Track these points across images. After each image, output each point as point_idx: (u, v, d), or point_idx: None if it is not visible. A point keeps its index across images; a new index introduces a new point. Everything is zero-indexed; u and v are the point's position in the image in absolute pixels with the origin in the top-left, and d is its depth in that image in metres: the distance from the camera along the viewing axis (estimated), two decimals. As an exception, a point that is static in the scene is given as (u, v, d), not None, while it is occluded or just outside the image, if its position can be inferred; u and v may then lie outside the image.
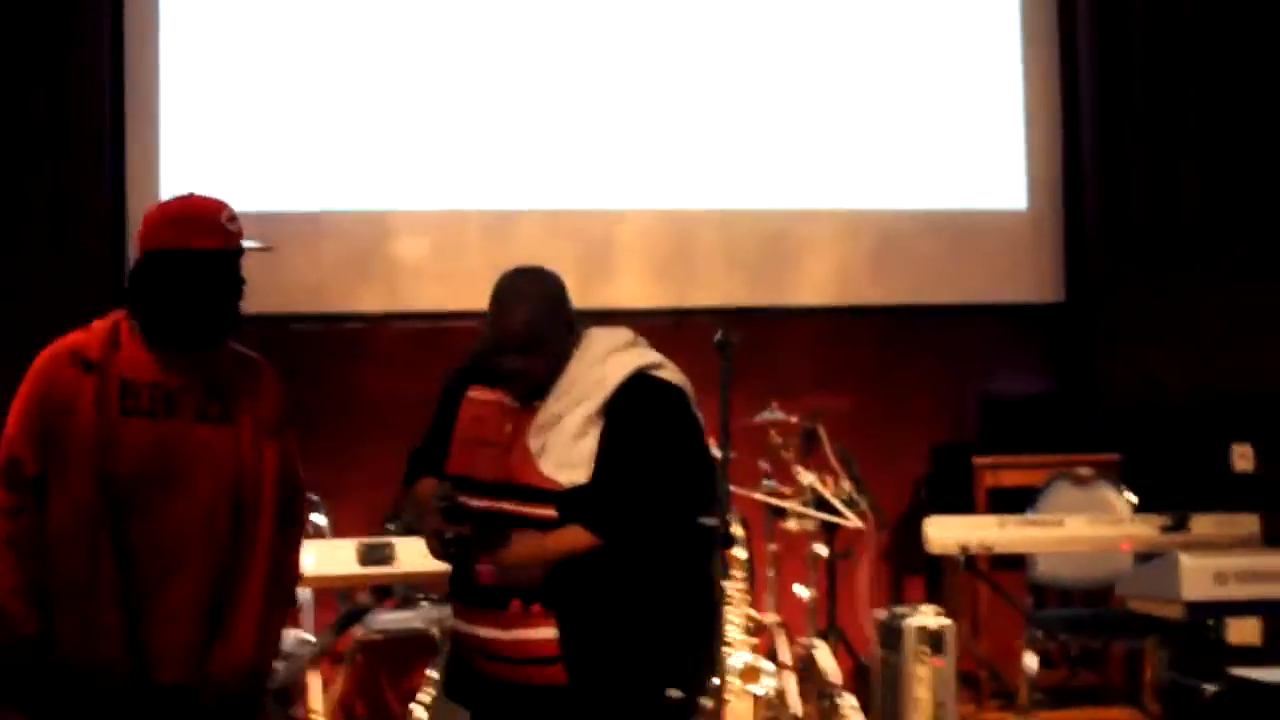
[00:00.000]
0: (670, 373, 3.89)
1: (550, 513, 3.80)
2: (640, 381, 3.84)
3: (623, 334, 3.97)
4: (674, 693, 3.77)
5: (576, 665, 3.79)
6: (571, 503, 3.78)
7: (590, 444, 3.79)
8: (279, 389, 3.95)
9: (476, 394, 4.00)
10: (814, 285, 7.80)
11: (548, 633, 3.81)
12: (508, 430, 3.90)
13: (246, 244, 3.82)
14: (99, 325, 3.81)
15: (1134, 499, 6.79)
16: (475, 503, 3.88)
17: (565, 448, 3.80)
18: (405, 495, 4.14)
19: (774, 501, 6.50)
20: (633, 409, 3.80)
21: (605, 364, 3.86)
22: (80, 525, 3.66)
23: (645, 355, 3.91)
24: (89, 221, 7.31)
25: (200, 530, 3.74)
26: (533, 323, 3.85)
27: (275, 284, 7.08)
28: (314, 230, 7.48)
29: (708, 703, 3.85)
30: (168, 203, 3.84)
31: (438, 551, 3.93)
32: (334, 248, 7.48)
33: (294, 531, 3.95)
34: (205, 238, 3.75)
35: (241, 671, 3.78)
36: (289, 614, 4.18)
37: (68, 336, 3.80)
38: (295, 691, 6.57)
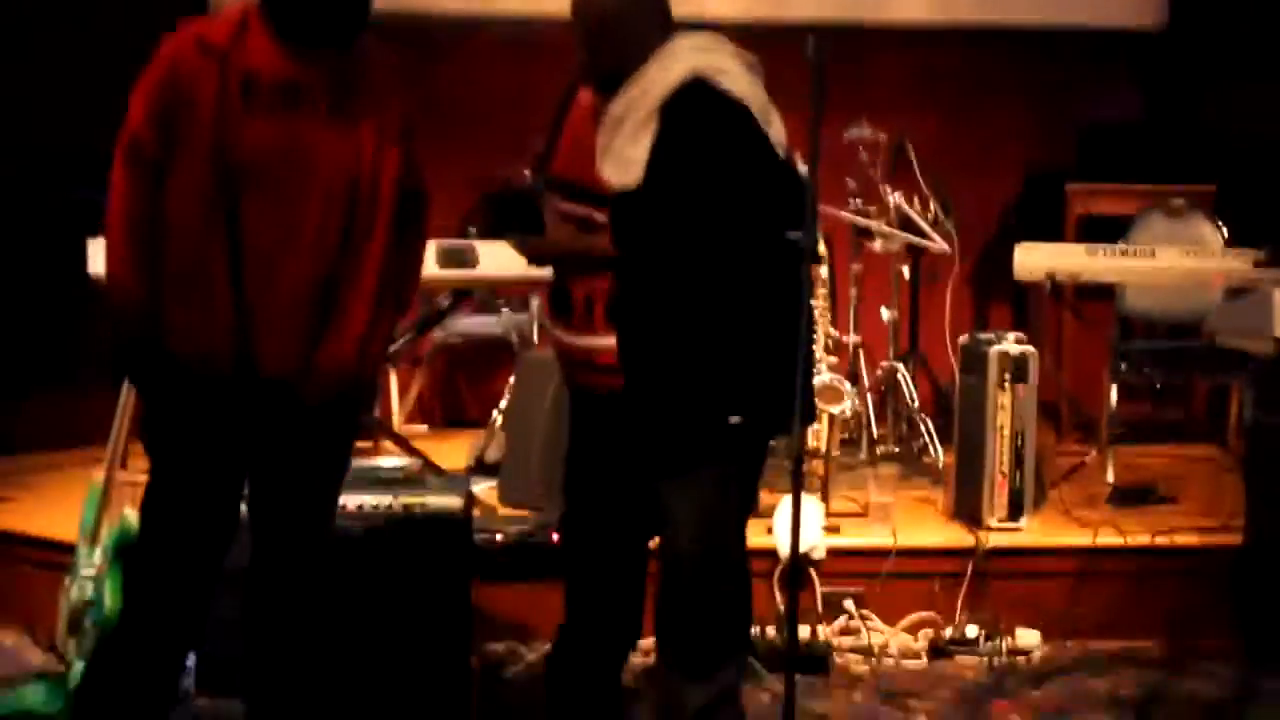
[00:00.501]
0: (734, 81, 3.69)
1: (604, 217, 3.75)
2: (696, 88, 3.67)
3: (706, 37, 3.79)
4: (735, 418, 3.69)
5: (631, 377, 3.76)
6: (616, 207, 3.71)
7: (644, 147, 3.66)
8: (406, 91, 3.85)
9: (582, 95, 3.89)
10: (907, 1, 7.56)
11: (608, 341, 3.80)
12: (593, 131, 3.80)
13: None
14: (228, 13, 3.74)
15: (1227, 232, 6.63)
16: (564, 206, 3.84)
17: (621, 149, 3.69)
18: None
19: (859, 220, 6.41)
20: (682, 115, 3.65)
21: (673, 64, 3.70)
22: (194, 213, 3.64)
23: (714, 59, 3.72)
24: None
25: (312, 227, 3.69)
26: (605, 12, 3.75)
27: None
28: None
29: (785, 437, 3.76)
30: None
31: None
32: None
33: (413, 238, 3.91)
34: None
35: (345, 369, 3.76)
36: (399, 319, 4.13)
37: (195, 21, 3.76)
38: (373, 393, 6.58)
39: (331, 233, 3.70)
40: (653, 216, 3.64)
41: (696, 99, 3.65)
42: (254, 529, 3.91)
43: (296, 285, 3.69)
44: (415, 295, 4.25)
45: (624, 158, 3.66)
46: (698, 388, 3.69)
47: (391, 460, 5.32)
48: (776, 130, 3.73)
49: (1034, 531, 5.46)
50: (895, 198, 6.37)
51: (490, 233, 5.89)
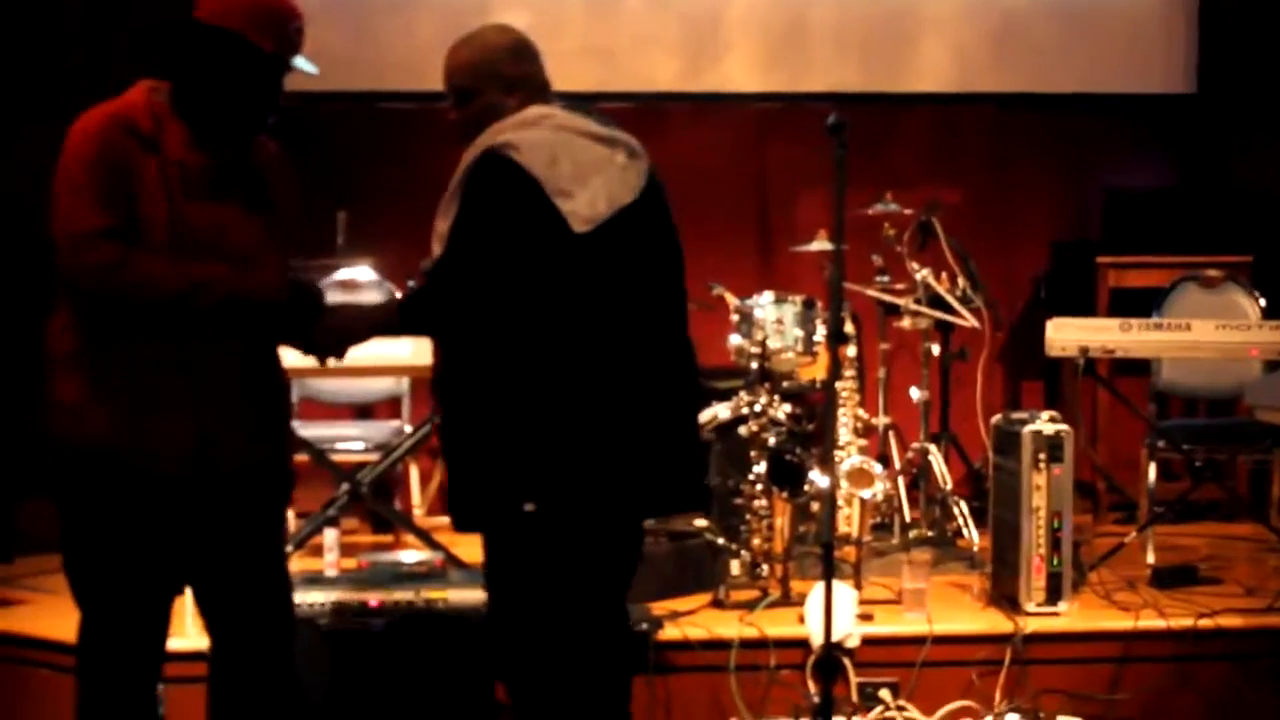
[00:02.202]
0: (524, 153, 3.64)
1: None
2: (484, 161, 3.67)
3: (539, 109, 3.77)
4: (529, 505, 3.64)
5: (446, 457, 3.79)
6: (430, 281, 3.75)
7: (449, 220, 3.69)
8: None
9: None
10: (931, 71, 7.57)
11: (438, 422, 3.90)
12: None
13: (298, 62, 3.70)
14: (136, 97, 3.63)
15: (1265, 303, 6.54)
16: None
17: (438, 225, 3.73)
18: None
19: (887, 298, 6.32)
20: (468, 189, 3.67)
21: (485, 140, 3.71)
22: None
23: (516, 134, 3.69)
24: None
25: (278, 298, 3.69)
26: (453, 70, 3.84)
27: (366, 60, 6.94)
28: (409, 4, 7.24)
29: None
30: None
31: None
32: (429, 24, 7.23)
33: None
34: (270, 38, 3.62)
35: None
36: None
37: (106, 105, 3.62)
38: (394, 484, 6.50)
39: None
40: (441, 289, 3.67)
41: (480, 173, 3.66)
42: (219, 629, 3.85)
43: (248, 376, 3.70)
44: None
45: (439, 232, 3.70)
46: (485, 472, 3.67)
47: (413, 554, 5.26)
48: (580, 204, 3.65)
49: (1073, 616, 5.31)
50: (923, 273, 6.26)
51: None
